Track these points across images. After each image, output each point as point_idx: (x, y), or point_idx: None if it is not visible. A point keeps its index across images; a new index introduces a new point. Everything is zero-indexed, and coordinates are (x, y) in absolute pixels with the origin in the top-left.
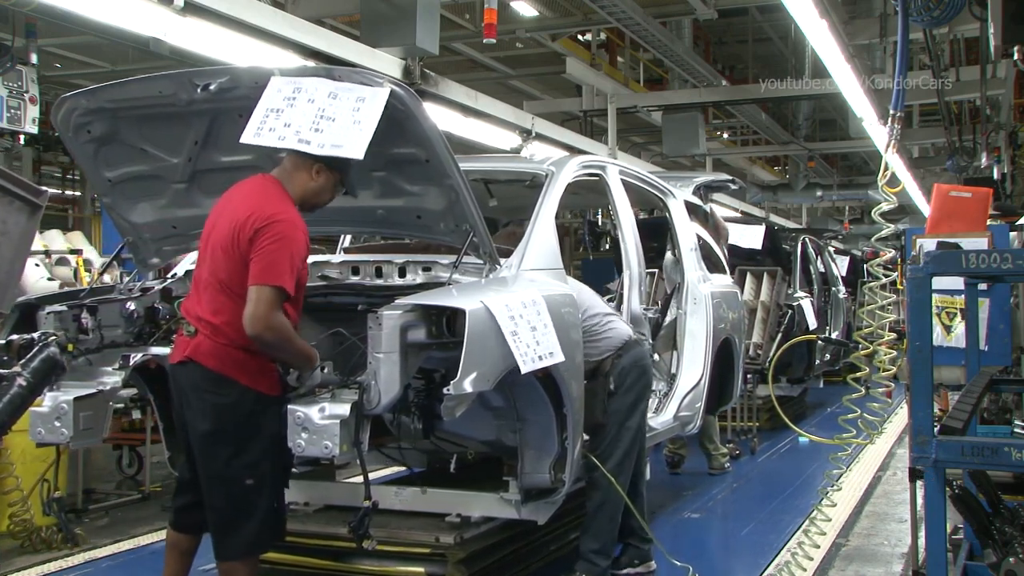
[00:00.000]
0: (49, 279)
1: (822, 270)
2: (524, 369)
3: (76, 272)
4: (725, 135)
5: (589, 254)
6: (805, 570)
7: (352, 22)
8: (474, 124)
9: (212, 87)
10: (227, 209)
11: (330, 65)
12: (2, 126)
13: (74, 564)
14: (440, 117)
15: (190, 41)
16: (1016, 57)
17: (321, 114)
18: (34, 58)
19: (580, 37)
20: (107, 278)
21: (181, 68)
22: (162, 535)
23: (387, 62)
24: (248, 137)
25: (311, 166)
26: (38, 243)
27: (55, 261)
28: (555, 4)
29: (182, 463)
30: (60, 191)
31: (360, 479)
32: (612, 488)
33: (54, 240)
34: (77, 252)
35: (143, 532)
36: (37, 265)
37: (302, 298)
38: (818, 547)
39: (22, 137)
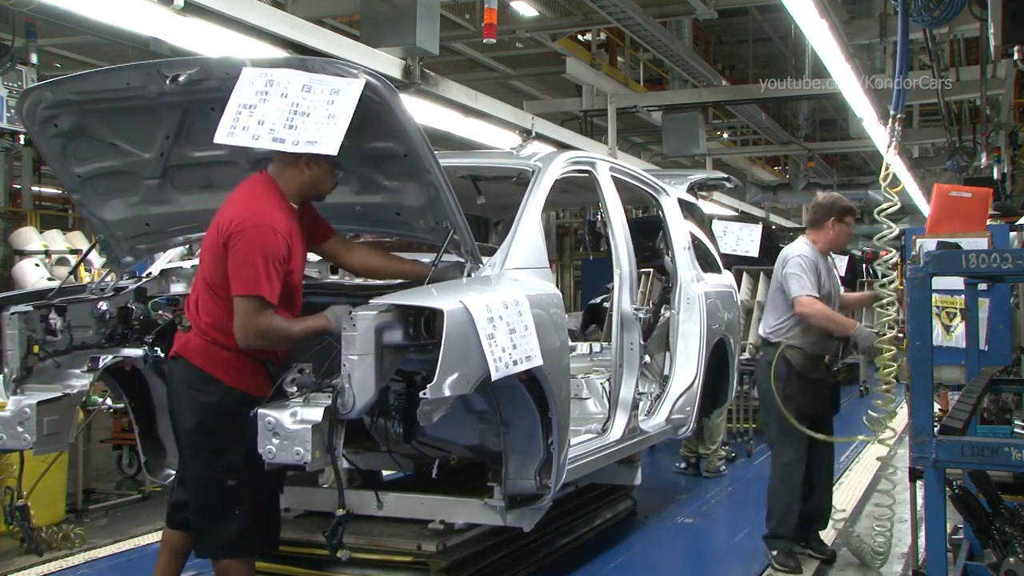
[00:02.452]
0: (49, 279)
1: None
2: (495, 376)
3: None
4: (725, 135)
5: (589, 254)
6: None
7: (352, 22)
8: (474, 124)
9: (181, 78)
10: (221, 209)
11: (304, 56)
12: (2, 126)
13: (74, 564)
14: (440, 117)
15: (190, 41)
16: (1016, 57)
17: (295, 109)
18: (34, 58)
19: (580, 37)
20: (109, 278)
21: None
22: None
23: (387, 62)
24: (222, 136)
25: (299, 159)
26: (38, 243)
27: (55, 261)
28: (555, 4)
29: (179, 459)
30: (60, 191)
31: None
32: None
33: (54, 240)
34: (77, 252)
35: (143, 532)
36: (37, 265)
37: (299, 298)
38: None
39: (22, 137)
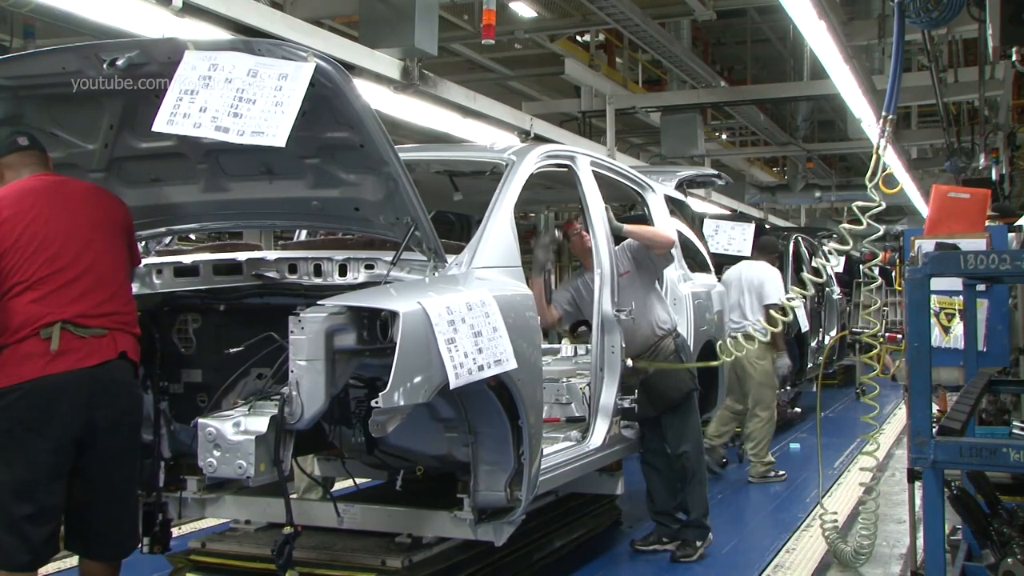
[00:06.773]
0: None
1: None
2: (454, 384)
3: None
4: (724, 136)
5: None
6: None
7: (351, 23)
8: (473, 125)
9: (120, 62)
10: (89, 204)
11: (250, 38)
12: None
13: (74, 564)
14: (439, 118)
15: None
16: (1014, 58)
17: (240, 96)
18: None
19: (579, 38)
20: None
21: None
22: None
23: (386, 63)
24: (160, 125)
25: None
26: None
27: None
28: (553, 5)
29: (61, 485)
30: None
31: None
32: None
33: None
34: None
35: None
36: None
37: None
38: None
39: None
